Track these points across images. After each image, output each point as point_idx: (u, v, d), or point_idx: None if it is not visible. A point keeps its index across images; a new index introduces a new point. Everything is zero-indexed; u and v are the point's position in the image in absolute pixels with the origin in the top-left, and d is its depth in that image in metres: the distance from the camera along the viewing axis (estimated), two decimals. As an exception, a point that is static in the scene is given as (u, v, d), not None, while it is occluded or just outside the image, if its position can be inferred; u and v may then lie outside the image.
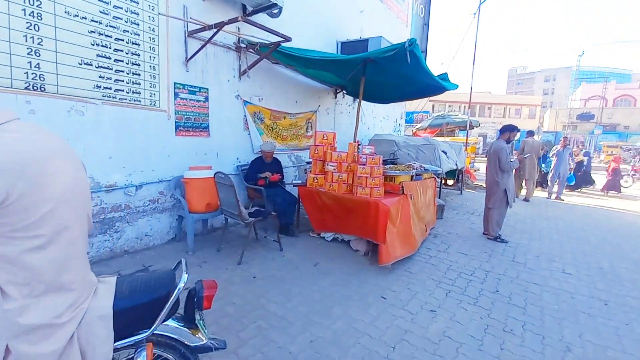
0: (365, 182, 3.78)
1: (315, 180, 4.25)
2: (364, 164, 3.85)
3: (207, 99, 4.51)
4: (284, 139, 5.88)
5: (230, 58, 4.80)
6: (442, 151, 7.66)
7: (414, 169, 4.64)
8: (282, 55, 4.88)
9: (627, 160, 28.33)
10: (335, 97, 7.32)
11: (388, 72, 5.24)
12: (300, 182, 4.50)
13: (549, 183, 9.65)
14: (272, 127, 5.59)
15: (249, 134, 5.19)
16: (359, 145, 5.24)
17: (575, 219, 6.87)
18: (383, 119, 9.67)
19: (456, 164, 8.18)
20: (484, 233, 5.26)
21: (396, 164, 5.60)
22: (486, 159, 5.29)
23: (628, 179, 13.96)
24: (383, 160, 5.10)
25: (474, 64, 9.38)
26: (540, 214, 7.21)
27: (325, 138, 4.23)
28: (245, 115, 5.10)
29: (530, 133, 9.53)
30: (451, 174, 8.80)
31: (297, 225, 4.64)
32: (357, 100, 7.82)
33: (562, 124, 34.89)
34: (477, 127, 12.34)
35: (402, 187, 4.04)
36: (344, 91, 7.22)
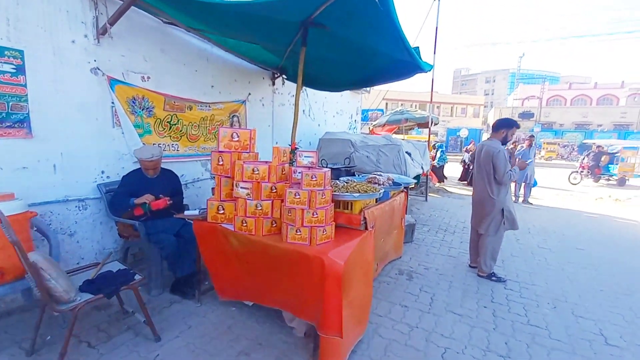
0: (300, 217, 2.12)
1: (220, 212, 2.50)
2: (299, 185, 2.18)
3: (21, 70, 2.53)
4: (193, 139, 4.01)
5: (75, 2, 2.84)
6: (407, 152, 6.31)
7: (380, 184, 3.08)
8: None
9: (564, 156, 30.30)
10: (273, 83, 5.58)
11: (339, 42, 3.63)
12: (198, 212, 2.72)
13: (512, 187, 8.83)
14: (169, 122, 3.70)
15: (123, 132, 3.27)
16: (294, 149, 3.58)
17: (560, 227, 5.89)
18: (336, 114, 8.13)
19: (422, 167, 6.90)
20: (471, 266, 3.90)
21: (353, 173, 4.04)
22: (466, 165, 3.91)
23: (576, 176, 14.02)
24: (334, 169, 3.50)
25: (435, 52, 8.25)
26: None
27: (236, 139, 2.49)
28: (113, 103, 3.17)
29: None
30: (415, 178, 7.54)
31: (201, 281, 2.85)
32: (301, 86, 6.21)
33: (505, 122, 36.54)
34: (436, 124, 11.36)
35: (365, 218, 2.45)
36: (283, 76, 5.51)
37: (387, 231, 3.35)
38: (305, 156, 2.36)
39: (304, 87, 6.32)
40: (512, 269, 3.90)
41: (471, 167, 9.23)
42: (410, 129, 13.56)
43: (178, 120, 3.78)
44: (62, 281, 1.91)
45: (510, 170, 3.35)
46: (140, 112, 3.39)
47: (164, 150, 3.62)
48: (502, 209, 3.44)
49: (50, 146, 2.74)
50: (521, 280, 3.60)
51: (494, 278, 3.55)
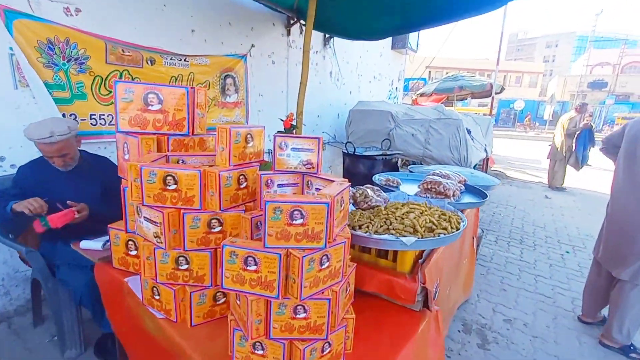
0: (261, 319, 0.81)
1: (132, 252, 1.26)
2: (271, 230, 0.85)
3: None
4: (160, 109, 2.78)
5: None
6: (466, 130, 4.68)
7: (447, 195, 1.65)
8: None
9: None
10: (288, 32, 4.13)
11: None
12: (101, 245, 1.51)
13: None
14: (119, 83, 2.47)
15: (34, 96, 2.09)
16: (288, 126, 2.24)
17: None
18: (373, 80, 6.52)
19: (485, 150, 5.24)
20: (583, 320, 2.41)
21: (394, 164, 2.61)
22: (602, 153, 2.31)
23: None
24: (365, 157, 2.16)
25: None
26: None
27: (156, 106, 1.18)
28: (11, 49, 1.97)
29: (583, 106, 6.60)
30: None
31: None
32: (326, 39, 4.68)
33: (570, 93, 31.79)
34: (499, 92, 9.25)
35: (423, 284, 1.08)
36: (301, 21, 4.03)
37: (455, 273, 1.95)
38: (294, 148, 1.01)
39: (330, 38, 4.81)
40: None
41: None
42: (461, 99, 11.48)
43: (133, 79, 2.54)
44: None
45: None
46: (64, 64, 2.18)
47: (111, 122, 2.43)
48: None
49: None
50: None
51: (634, 355, 2.07)
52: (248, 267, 0.80)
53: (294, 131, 1.78)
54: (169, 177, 0.96)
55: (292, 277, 0.80)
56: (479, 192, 1.90)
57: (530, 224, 4.57)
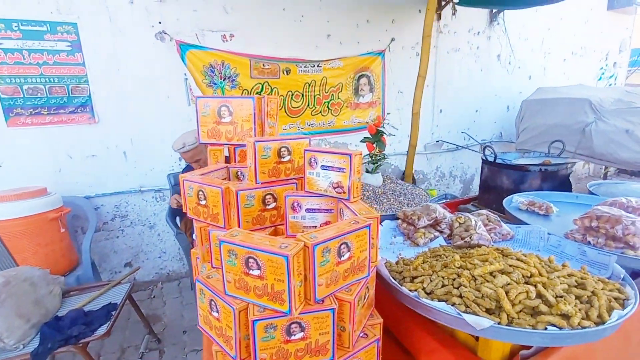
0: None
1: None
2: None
3: (76, 46, 2.23)
4: (293, 113, 2.98)
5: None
6: None
7: (632, 247, 0.96)
8: None
9: None
10: (439, 17, 3.60)
11: None
12: None
13: None
14: (259, 94, 2.81)
15: (198, 110, 2.65)
16: (375, 132, 1.83)
17: None
18: (572, 56, 4.88)
19: None
20: None
21: (566, 181, 1.80)
22: None
23: None
24: (514, 167, 1.64)
25: None
26: None
27: (227, 118, 1.21)
28: (185, 74, 2.56)
29: None
30: None
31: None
32: (492, 14, 3.71)
33: None
34: None
35: None
36: (454, 1, 3.41)
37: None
38: (324, 166, 0.80)
39: (498, 13, 3.90)
40: None
41: None
42: None
43: (271, 90, 2.83)
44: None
45: None
46: (220, 82, 2.65)
47: (254, 130, 2.81)
48: None
49: (118, 131, 2.44)
50: None
51: None
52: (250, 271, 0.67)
53: (380, 141, 1.45)
54: (200, 192, 0.95)
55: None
56: None
57: None
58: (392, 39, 3.35)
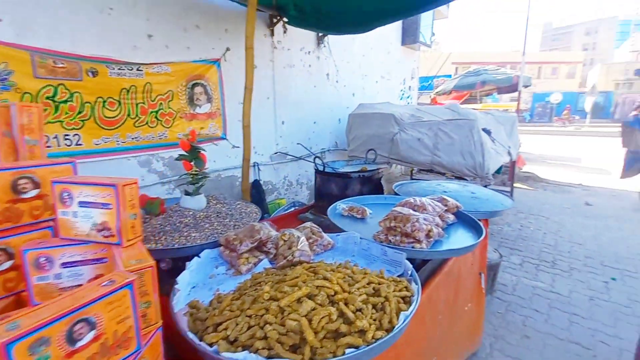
0: None
1: None
2: None
3: None
4: (109, 124, 2.45)
5: None
6: (484, 131, 4.03)
7: (418, 241, 1.14)
8: None
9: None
10: (272, 33, 3.73)
11: None
12: None
13: None
14: (52, 99, 2.16)
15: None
16: (187, 148, 1.71)
17: None
18: (381, 79, 5.98)
19: (509, 153, 4.52)
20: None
21: (378, 185, 2.09)
22: None
23: None
24: (340, 175, 1.71)
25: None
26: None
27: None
28: None
29: None
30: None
31: None
32: (319, 37, 4.17)
33: (614, 82, 29.00)
34: (527, 86, 8.32)
35: None
36: (284, 19, 3.61)
37: (449, 330, 1.42)
38: (82, 202, 0.56)
39: (324, 37, 4.36)
40: None
41: None
42: (486, 95, 10.57)
43: (71, 95, 2.23)
44: None
45: None
46: (-17, 82, 1.89)
47: (48, 145, 2.13)
48: None
49: None
50: None
51: None
52: None
53: (199, 158, 1.32)
54: None
55: None
56: (475, 225, 1.36)
57: (567, 241, 3.83)
58: (227, 49, 3.24)
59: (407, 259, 1.06)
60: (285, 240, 1.06)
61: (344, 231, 1.20)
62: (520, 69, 6.21)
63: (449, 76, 13.15)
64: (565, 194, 5.92)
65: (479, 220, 1.38)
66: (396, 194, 1.90)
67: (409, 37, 6.31)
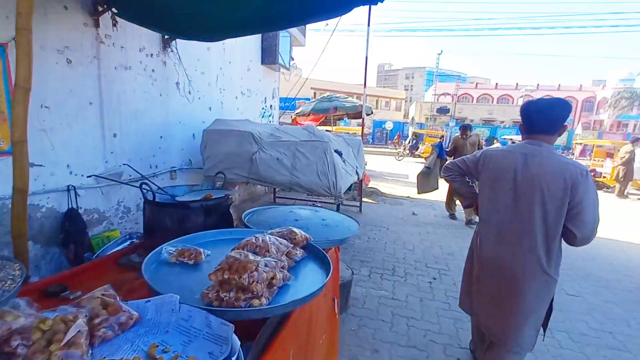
0: None
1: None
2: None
3: None
4: None
5: None
6: (336, 152, 4.35)
7: (257, 297, 0.94)
8: None
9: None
10: (96, 23, 2.99)
11: None
12: None
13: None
14: None
15: None
16: None
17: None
18: (241, 95, 5.77)
19: (357, 172, 5.04)
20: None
21: (226, 216, 1.81)
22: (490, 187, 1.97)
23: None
24: (177, 205, 1.29)
25: (368, 26, 6.47)
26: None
27: None
28: None
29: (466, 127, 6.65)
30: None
31: None
32: (165, 39, 3.55)
33: (425, 117, 38.06)
34: (369, 114, 9.76)
35: None
36: (113, 9, 2.95)
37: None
38: None
39: (170, 40, 3.84)
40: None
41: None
42: (339, 119, 11.85)
43: None
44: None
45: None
46: None
47: None
48: (552, 299, 1.63)
49: None
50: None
51: None
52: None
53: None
54: None
55: None
56: (323, 259, 1.27)
57: (402, 248, 4.47)
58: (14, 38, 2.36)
59: (246, 320, 0.83)
60: (44, 331, 0.66)
61: (161, 294, 0.88)
62: (363, 99, 7.16)
63: (308, 99, 14.23)
64: (398, 206, 7.05)
65: (326, 252, 1.29)
66: (245, 225, 1.67)
67: (269, 58, 6.39)
